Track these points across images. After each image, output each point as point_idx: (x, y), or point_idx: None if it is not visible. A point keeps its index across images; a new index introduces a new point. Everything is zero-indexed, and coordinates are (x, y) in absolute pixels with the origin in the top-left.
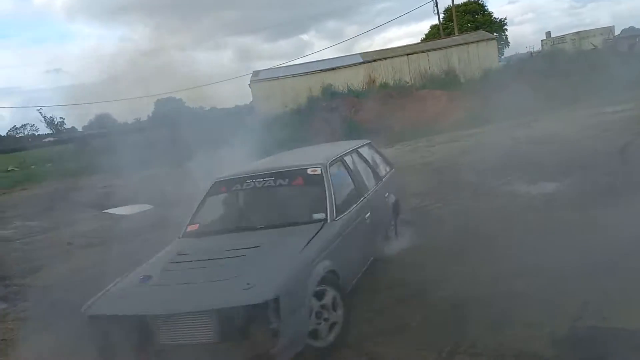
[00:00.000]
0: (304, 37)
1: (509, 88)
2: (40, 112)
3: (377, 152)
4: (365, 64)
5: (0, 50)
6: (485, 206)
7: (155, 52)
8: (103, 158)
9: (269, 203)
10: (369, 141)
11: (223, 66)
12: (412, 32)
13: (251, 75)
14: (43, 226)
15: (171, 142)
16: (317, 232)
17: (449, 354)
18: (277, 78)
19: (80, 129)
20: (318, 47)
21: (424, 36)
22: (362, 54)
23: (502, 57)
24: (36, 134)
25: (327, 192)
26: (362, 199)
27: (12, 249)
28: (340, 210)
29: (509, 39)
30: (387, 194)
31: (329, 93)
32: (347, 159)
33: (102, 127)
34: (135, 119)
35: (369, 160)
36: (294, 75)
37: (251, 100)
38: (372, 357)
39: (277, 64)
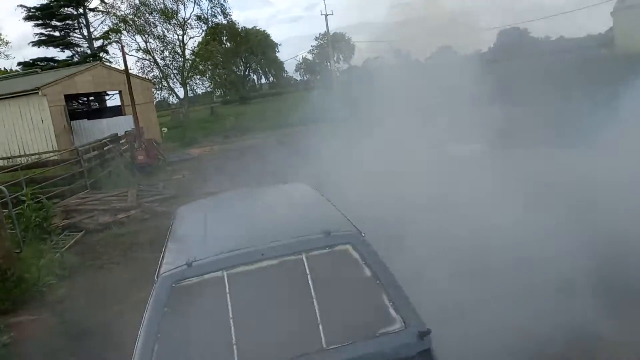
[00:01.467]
0: None
1: None
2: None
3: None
4: None
5: None
6: None
7: None
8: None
9: None
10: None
11: None
12: None
13: (615, 2)
14: None
15: (513, 77)
16: None
17: None
18: None
19: (423, 61)
20: None
21: None
22: None
23: None
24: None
25: None
26: None
27: None
28: None
29: None
30: None
31: None
32: None
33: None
34: (475, 50)
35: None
36: None
37: (607, 29)
38: None
39: None
